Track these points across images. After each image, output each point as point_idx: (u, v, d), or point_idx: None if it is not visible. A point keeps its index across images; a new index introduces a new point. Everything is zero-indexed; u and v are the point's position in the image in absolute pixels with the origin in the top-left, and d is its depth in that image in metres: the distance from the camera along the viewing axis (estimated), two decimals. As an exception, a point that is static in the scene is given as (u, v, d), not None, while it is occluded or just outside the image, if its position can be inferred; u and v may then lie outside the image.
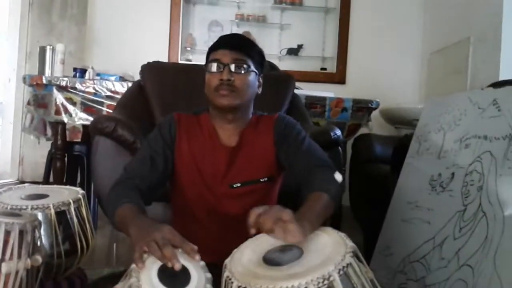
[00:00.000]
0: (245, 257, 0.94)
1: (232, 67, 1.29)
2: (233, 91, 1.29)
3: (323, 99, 2.87)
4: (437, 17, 3.83)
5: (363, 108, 2.90)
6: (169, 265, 0.90)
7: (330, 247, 0.89)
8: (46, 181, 2.96)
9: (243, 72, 1.30)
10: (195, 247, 0.96)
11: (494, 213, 1.24)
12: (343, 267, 0.81)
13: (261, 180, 1.36)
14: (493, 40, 2.88)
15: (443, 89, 3.58)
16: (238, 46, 1.33)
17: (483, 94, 1.52)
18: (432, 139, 1.69)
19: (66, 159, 2.82)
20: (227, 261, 0.94)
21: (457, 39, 3.34)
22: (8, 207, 1.18)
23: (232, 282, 0.86)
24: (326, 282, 0.78)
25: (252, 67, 1.33)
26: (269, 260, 0.89)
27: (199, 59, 3.78)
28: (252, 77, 1.34)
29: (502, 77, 2.74)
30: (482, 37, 3.03)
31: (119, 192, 1.23)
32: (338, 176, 1.19)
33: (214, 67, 1.31)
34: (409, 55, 4.07)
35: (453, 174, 1.49)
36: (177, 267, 0.89)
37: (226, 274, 0.89)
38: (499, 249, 1.16)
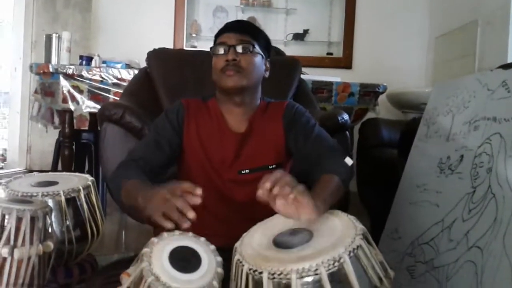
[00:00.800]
0: (255, 240, 0.94)
1: (238, 48, 1.30)
2: (239, 71, 1.29)
3: (330, 84, 2.86)
4: (444, 0, 3.78)
5: (370, 92, 2.89)
6: (184, 226, 0.90)
7: (340, 230, 0.89)
8: (54, 169, 2.98)
9: (248, 52, 1.31)
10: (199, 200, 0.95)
11: (503, 194, 1.23)
12: (353, 249, 0.81)
13: (269, 167, 1.35)
14: (501, 22, 2.85)
15: (450, 72, 3.55)
16: (243, 28, 1.35)
17: (493, 76, 1.51)
18: (441, 122, 1.68)
19: (74, 147, 2.83)
20: (237, 244, 0.94)
21: (464, 22, 3.30)
22: (19, 194, 1.19)
23: (243, 265, 0.86)
24: (336, 264, 0.79)
25: (258, 49, 1.35)
26: (280, 243, 0.89)
27: (204, 46, 3.76)
28: (258, 58, 1.35)
29: (510, 60, 2.72)
30: (490, 19, 2.99)
31: (123, 171, 1.24)
32: (349, 160, 1.20)
33: (220, 49, 1.32)
34: (415, 38, 4.03)
35: (462, 156, 1.48)
36: (191, 215, 0.91)
37: (236, 257, 0.90)
38: (508, 230, 1.16)
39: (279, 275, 0.80)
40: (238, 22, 1.40)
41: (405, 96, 3.16)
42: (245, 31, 1.34)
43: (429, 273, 1.42)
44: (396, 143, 2.11)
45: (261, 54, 1.36)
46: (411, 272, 1.52)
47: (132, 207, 1.11)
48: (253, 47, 1.33)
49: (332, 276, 0.78)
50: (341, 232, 0.88)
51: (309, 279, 0.78)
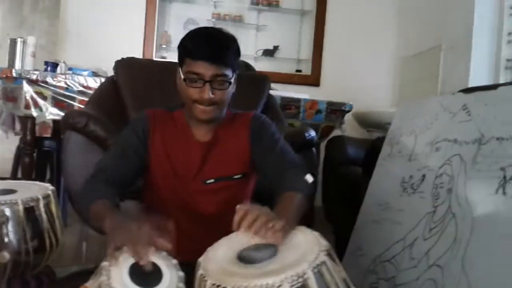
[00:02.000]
0: (219, 255, 0.94)
1: (214, 84, 1.23)
2: (213, 105, 1.26)
3: (298, 100, 2.89)
4: (411, 23, 3.90)
5: (336, 110, 2.94)
6: (141, 262, 0.89)
7: (304, 246, 0.90)
8: (14, 177, 2.89)
9: (224, 86, 1.25)
10: (168, 245, 0.95)
11: (463, 214, 1.27)
12: (317, 265, 0.82)
13: (234, 176, 1.35)
14: (463, 48, 2.96)
15: (415, 93, 3.65)
16: (218, 58, 1.23)
17: (454, 99, 1.56)
18: (404, 142, 1.73)
19: (35, 154, 2.75)
20: (201, 259, 0.93)
21: (430, 46, 3.41)
22: (-26, 202, 1.15)
23: (206, 280, 0.85)
24: (300, 280, 0.79)
25: (232, 77, 1.28)
26: (244, 258, 0.89)
27: (174, 57, 3.68)
28: (231, 87, 1.30)
29: (471, 84, 2.81)
30: (453, 44, 3.10)
31: (92, 187, 1.22)
32: (309, 178, 1.21)
33: (193, 80, 1.24)
34: (383, 59, 4.13)
35: (424, 176, 1.52)
36: (147, 267, 0.90)
37: (200, 272, 0.88)
38: (468, 249, 1.19)
39: None
40: (213, 50, 1.23)
41: (371, 116, 3.23)
42: (220, 61, 1.23)
43: (391, 290, 1.44)
44: (361, 161, 2.15)
45: (234, 78, 1.30)
46: (373, 289, 1.53)
47: (99, 229, 1.10)
48: (229, 81, 1.26)
49: None
50: (305, 248, 0.89)
51: None
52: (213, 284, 0.83)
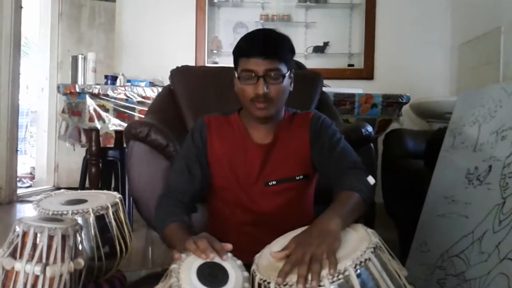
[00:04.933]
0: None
1: (267, 78, 1.25)
2: (269, 102, 1.27)
3: (352, 95, 2.85)
4: (466, 7, 3.74)
5: (393, 103, 2.88)
6: (203, 257, 0.94)
7: (353, 243, 0.91)
8: (82, 187, 3.04)
9: (278, 81, 1.26)
10: (228, 246, 1.00)
11: (535, 205, 1.20)
12: (361, 262, 0.82)
13: (297, 178, 1.34)
14: (525, 28, 2.81)
15: (474, 81, 3.50)
16: (271, 53, 1.25)
17: (519, 85, 1.49)
18: (467, 132, 1.66)
19: (100, 164, 2.88)
20: (256, 256, 0.98)
21: (487, 29, 3.26)
22: (50, 213, 1.22)
23: (255, 275, 0.91)
24: (341, 276, 0.81)
25: (286, 71, 1.29)
26: None
27: (226, 61, 3.79)
28: (286, 81, 1.30)
29: (536, 66, 2.67)
30: (513, 26, 2.95)
31: (164, 210, 1.28)
32: (371, 179, 1.19)
33: (247, 77, 1.26)
34: (438, 47, 3.99)
35: (490, 166, 1.46)
36: (211, 257, 0.94)
37: (252, 267, 0.94)
38: (542, 241, 1.13)
39: (284, 285, 0.83)
40: (265, 46, 1.26)
41: (429, 106, 3.13)
42: (273, 56, 1.25)
43: (461, 286, 1.39)
44: (421, 153, 2.09)
45: (288, 74, 1.31)
46: (442, 285, 1.49)
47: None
48: (282, 74, 1.27)
49: None
50: (353, 246, 0.90)
51: None
52: (261, 279, 0.88)
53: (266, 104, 1.27)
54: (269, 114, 1.30)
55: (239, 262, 0.98)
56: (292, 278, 0.83)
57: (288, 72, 1.30)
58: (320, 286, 0.81)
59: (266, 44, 1.27)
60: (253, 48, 1.26)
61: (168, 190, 1.34)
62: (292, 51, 1.35)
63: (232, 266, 0.96)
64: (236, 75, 1.30)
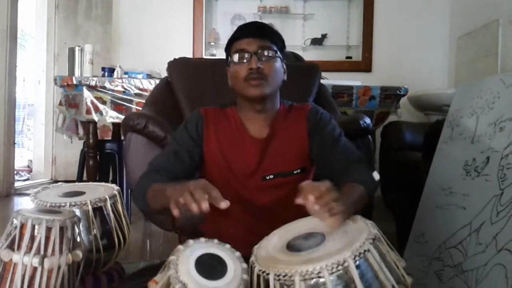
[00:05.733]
0: (271, 243, 0.98)
1: (260, 54, 1.27)
2: (263, 79, 1.27)
3: (350, 88, 2.84)
4: (464, 0, 3.74)
5: (391, 95, 2.87)
6: (194, 209, 0.92)
7: (352, 234, 0.91)
8: (79, 179, 3.03)
9: (271, 58, 1.29)
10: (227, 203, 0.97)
11: (533, 196, 1.21)
12: (360, 253, 0.82)
13: (294, 171, 1.33)
14: (523, 20, 2.81)
15: (472, 72, 3.51)
16: (262, 33, 1.31)
17: (517, 76, 1.48)
18: (465, 124, 1.66)
19: (98, 157, 2.88)
20: (255, 247, 0.98)
21: (486, 21, 3.26)
22: (48, 205, 1.22)
23: (254, 266, 0.90)
24: (340, 267, 0.80)
25: (278, 53, 1.32)
26: (292, 246, 0.92)
27: (223, 54, 3.75)
28: (279, 63, 1.32)
29: (534, 58, 2.67)
30: (511, 18, 2.94)
31: (146, 178, 1.26)
32: (376, 175, 1.19)
33: (240, 57, 1.29)
34: (436, 39, 3.99)
35: (488, 158, 1.46)
36: (204, 207, 0.92)
37: (251, 259, 0.94)
38: (540, 233, 1.14)
39: (284, 276, 0.83)
40: (254, 26, 1.34)
41: (427, 98, 3.13)
42: (264, 35, 1.30)
43: (458, 277, 1.40)
44: (419, 146, 2.09)
45: (280, 58, 1.33)
46: (440, 276, 1.49)
47: (158, 210, 1.14)
48: (275, 52, 1.30)
49: (338, 279, 0.81)
50: (352, 237, 0.89)
51: (312, 281, 0.81)
52: (260, 270, 0.88)
53: (261, 81, 1.27)
54: (264, 92, 1.28)
55: (237, 253, 0.98)
56: (291, 270, 0.82)
57: (281, 57, 1.33)
58: (319, 277, 0.80)
59: (257, 26, 1.34)
60: (244, 30, 1.32)
61: (150, 168, 1.31)
62: (282, 40, 1.37)
63: (230, 257, 0.96)
64: (228, 62, 1.33)
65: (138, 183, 1.28)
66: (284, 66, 1.37)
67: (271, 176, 1.33)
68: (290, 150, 1.34)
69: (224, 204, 0.95)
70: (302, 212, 1.08)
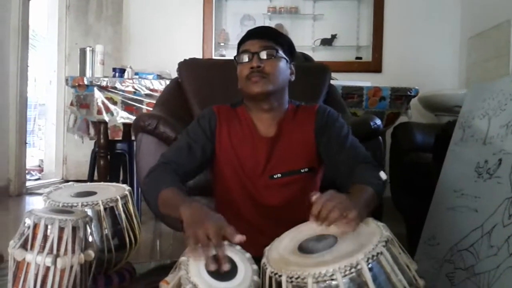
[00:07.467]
0: (282, 245, 0.97)
1: (262, 54, 1.32)
2: (264, 77, 1.30)
3: (360, 88, 2.84)
4: (475, 0, 3.71)
5: (401, 96, 2.86)
6: (212, 268, 0.90)
7: (364, 237, 0.90)
8: (90, 179, 3.05)
9: (272, 57, 1.32)
10: (243, 237, 0.96)
11: (546, 199, 1.19)
12: (373, 256, 0.82)
13: (302, 170, 1.35)
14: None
15: (484, 74, 3.48)
16: (265, 34, 1.36)
17: (530, 77, 1.47)
18: (477, 125, 1.65)
19: (108, 157, 2.89)
20: (266, 248, 0.98)
21: (497, 22, 3.22)
22: (60, 205, 1.23)
23: (266, 268, 0.90)
24: (353, 270, 0.80)
25: (281, 53, 1.35)
26: (304, 248, 0.92)
27: (233, 54, 3.75)
28: (283, 63, 1.35)
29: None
30: (524, 18, 2.92)
31: (158, 176, 1.25)
32: (383, 175, 1.19)
33: (244, 57, 1.34)
34: (447, 40, 3.96)
35: (500, 160, 1.44)
36: (226, 267, 0.90)
37: (263, 260, 0.94)
38: (553, 236, 1.13)
39: (296, 278, 0.83)
40: (259, 28, 1.40)
41: (438, 99, 3.11)
42: (267, 37, 1.35)
43: (470, 279, 1.39)
44: (430, 147, 2.07)
45: (285, 58, 1.37)
46: (451, 279, 1.48)
47: (168, 216, 1.14)
48: (277, 52, 1.34)
49: (351, 282, 0.80)
50: (364, 239, 0.89)
51: (325, 284, 0.81)
52: (272, 272, 0.88)
53: (261, 79, 1.30)
54: (265, 89, 1.31)
55: (248, 255, 0.98)
56: (304, 272, 0.82)
57: (286, 58, 1.37)
58: (332, 279, 0.80)
59: (262, 28, 1.41)
60: (250, 33, 1.38)
61: (162, 161, 1.31)
62: (289, 43, 1.42)
63: (241, 259, 0.96)
64: (236, 63, 1.38)
65: (149, 179, 1.27)
66: (292, 68, 1.41)
67: (279, 175, 1.34)
68: (297, 149, 1.36)
69: (239, 239, 0.95)
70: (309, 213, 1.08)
